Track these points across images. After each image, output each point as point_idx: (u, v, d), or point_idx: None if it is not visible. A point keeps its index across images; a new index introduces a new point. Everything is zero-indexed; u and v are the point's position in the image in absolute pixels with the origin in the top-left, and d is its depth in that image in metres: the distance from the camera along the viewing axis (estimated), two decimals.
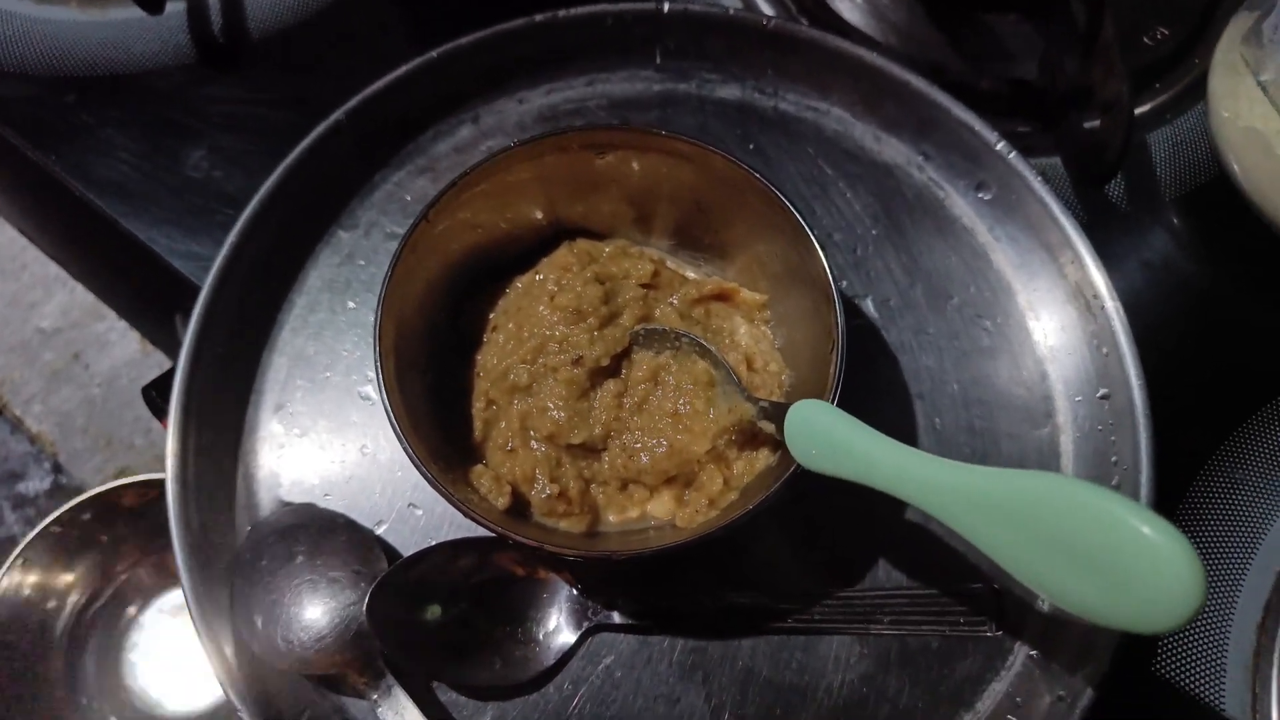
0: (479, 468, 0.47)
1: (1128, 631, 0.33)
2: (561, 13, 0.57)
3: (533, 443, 0.48)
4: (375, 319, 0.45)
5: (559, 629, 0.47)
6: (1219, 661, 0.49)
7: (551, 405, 0.47)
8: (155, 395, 0.58)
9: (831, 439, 0.40)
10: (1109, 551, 0.32)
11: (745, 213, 0.49)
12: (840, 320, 0.44)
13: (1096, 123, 0.55)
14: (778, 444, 0.45)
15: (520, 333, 0.49)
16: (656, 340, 0.49)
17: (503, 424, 0.48)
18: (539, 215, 0.52)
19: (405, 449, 0.43)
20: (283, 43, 0.60)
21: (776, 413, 0.44)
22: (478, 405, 0.49)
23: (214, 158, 0.59)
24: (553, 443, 0.47)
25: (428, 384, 0.49)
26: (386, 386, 0.44)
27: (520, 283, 0.51)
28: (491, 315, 0.51)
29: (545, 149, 0.49)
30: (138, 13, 0.60)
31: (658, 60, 0.58)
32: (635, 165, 0.50)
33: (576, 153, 0.50)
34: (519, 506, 0.47)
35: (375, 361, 0.44)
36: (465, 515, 0.43)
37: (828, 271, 0.45)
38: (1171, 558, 0.31)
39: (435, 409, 0.48)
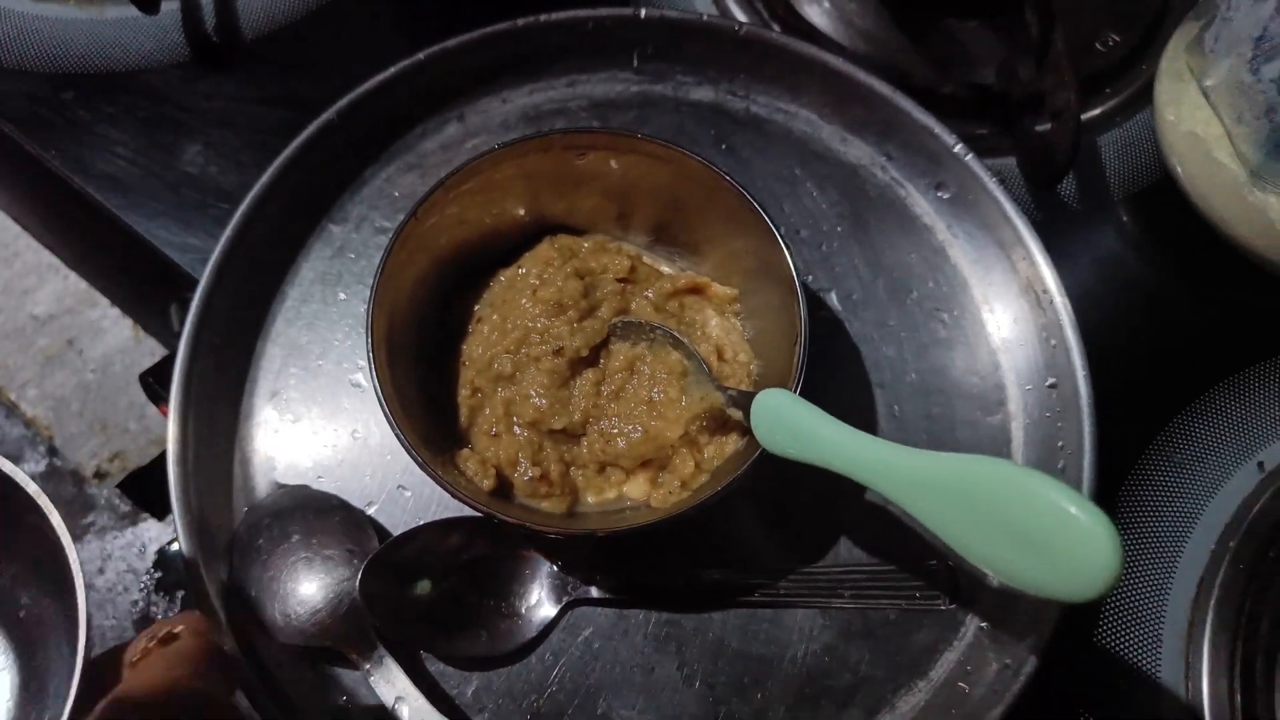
0: (465, 451, 0.50)
1: (1056, 599, 0.36)
2: (544, 17, 0.59)
3: (516, 428, 0.50)
4: (367, 311, 0.47)
5: (540, 603, 0.50)
6: (1156, 633, 0.53)
7: (534, 393, 0.50)
8: (153, 382, 0.60)
9: (793, 425, 0.44)
10: (1040, 528, 0.35)
11: (717, 212, 0.52)
12: (804, 315, 0.47)
13: (1048, 127, 0.58)
14: (746, 430, 0.48)
15: (504, 324, 0.52)
16: (633, 332, 0.52)
17: (487, 410, 0.51)
18: (522, 212, 0.55)
19: (396, 434, 0.46)
20: (275, 42, 0.62)
21: (744, 400, 0.47)
22: (464, 393, 0.51)
23: (209, 153, 0.61)
24: (535, 428, 0.50)
25: (416, 372, 0.51)
26: (378, 375, 0.47)
27: (504, 276, 0.54)
28: (477, 307, 0.53)
29: (528, 149, 0.52)
30: (134, 11, 0.62)
31: (635, 63, 0.61)
32: (614, 165, 0.53)
33: (558, 153, 0.52)
34: (503, 488, 0.50)
35: (368, 351, 0.47)
36: (453, 496, 0.46)
37: (793, 269, 0.48)
38: (1094, 534, 0.34)
39: (423, 396, 0.51)
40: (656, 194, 0.54)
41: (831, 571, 0.52)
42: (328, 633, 0.48)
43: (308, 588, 0.49)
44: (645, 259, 0.56)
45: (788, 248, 0.49)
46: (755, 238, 0.51)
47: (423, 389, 0.51)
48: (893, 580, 0.51)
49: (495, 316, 0.52)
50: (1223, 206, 0.57)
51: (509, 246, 0.55)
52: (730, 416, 0.49)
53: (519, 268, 0.54)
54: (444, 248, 0.53)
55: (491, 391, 0.51)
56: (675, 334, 0.51)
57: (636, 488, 0.51)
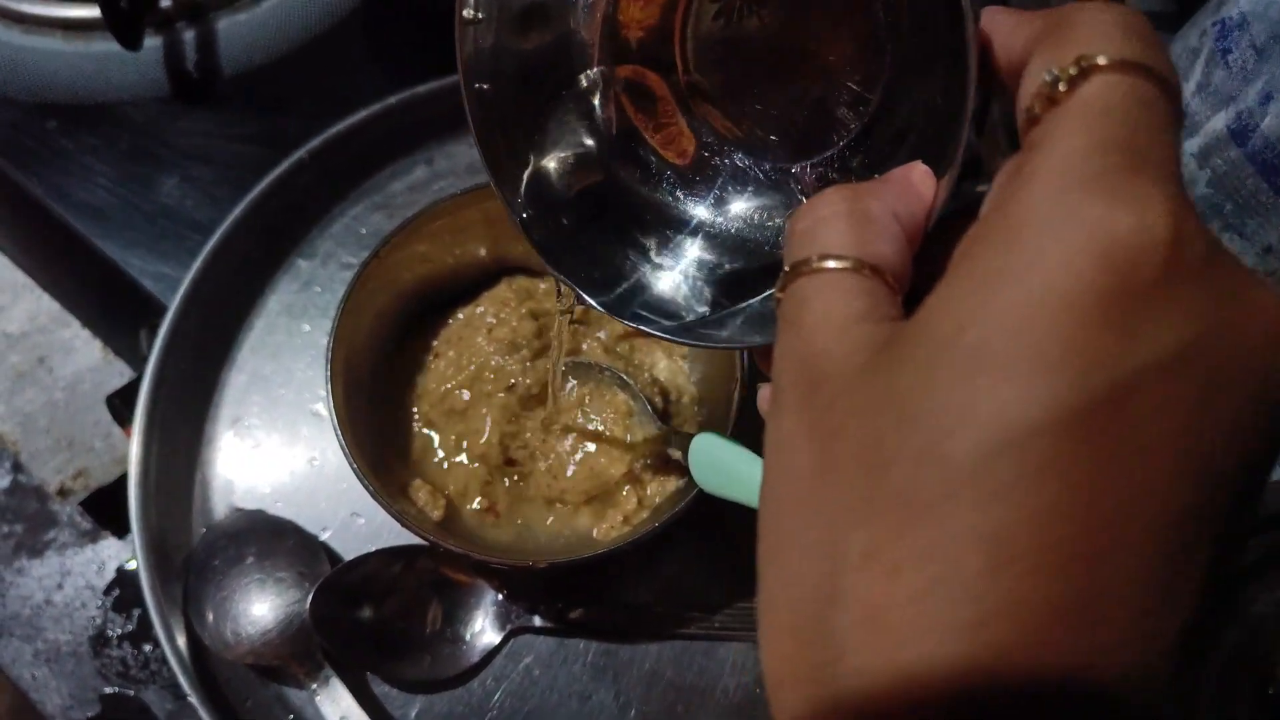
0: (417, 481, 0.52)
1: None
2: None
3: (467, 460, 0.53)
4: (327, 346, 0.50)
5: (484, 630, 0.52)
6: None
7: (485, 428, 0.53)
8: (119, 404, 0.62)
9: (725, 467, 0.46)
10: None
11: None
12: (743, 360, 0.50)
13: (987, 188, 0.62)
14: (687, 469, 0.50)
15: (460, 360, 0.54)
16: (582, 372, 0.54)
17: (440, 442, 0.53)
18: (483, 253, 0.57)
19: (351, 465, 0.48)
20: (253, 81, 0.65)
21: (682, 442, 0.49)
22: (418, 425, 0.54)
23: (185, 186, 0.63)
24: (485, 461, 0.52)
25: (373, 403, 0.53)
26: (335, 408, 0.49)
27: (462, 314, 0.56)
28: (435, 343, 0.56)
29: (488, 195, 0.54)
30: (118, 46, 0.65)
31: None
32: None
33: None
34: (452, 518, 0.52)
35: (326, 385, 0.49)
36: (402, 525, 0.48)
37: None
38: None
39: (379, 426, 0.53)
40: None
41: None
42: (277, 652, 0.50)
43: (260, 608, 0.51)
44: None
45: None
46: None
47: (378, 419, 0.53)
48: None
49: (451, 352, 0.54)
50: None
51: (469, 285, 0.57)
52: (673, 456, 0.51)
53: (476, 306, 0.56)
54: (405, 285, 0.55)
55: (444, 424, 0.53)
56: (622, 375, 0.53)
57: (581, 521, 0.53)
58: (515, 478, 0.53)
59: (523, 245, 0.57)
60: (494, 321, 0.55)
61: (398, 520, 0.47)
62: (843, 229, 0.24)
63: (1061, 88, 0.21)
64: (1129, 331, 0.18)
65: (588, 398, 0.54)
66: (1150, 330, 0.18)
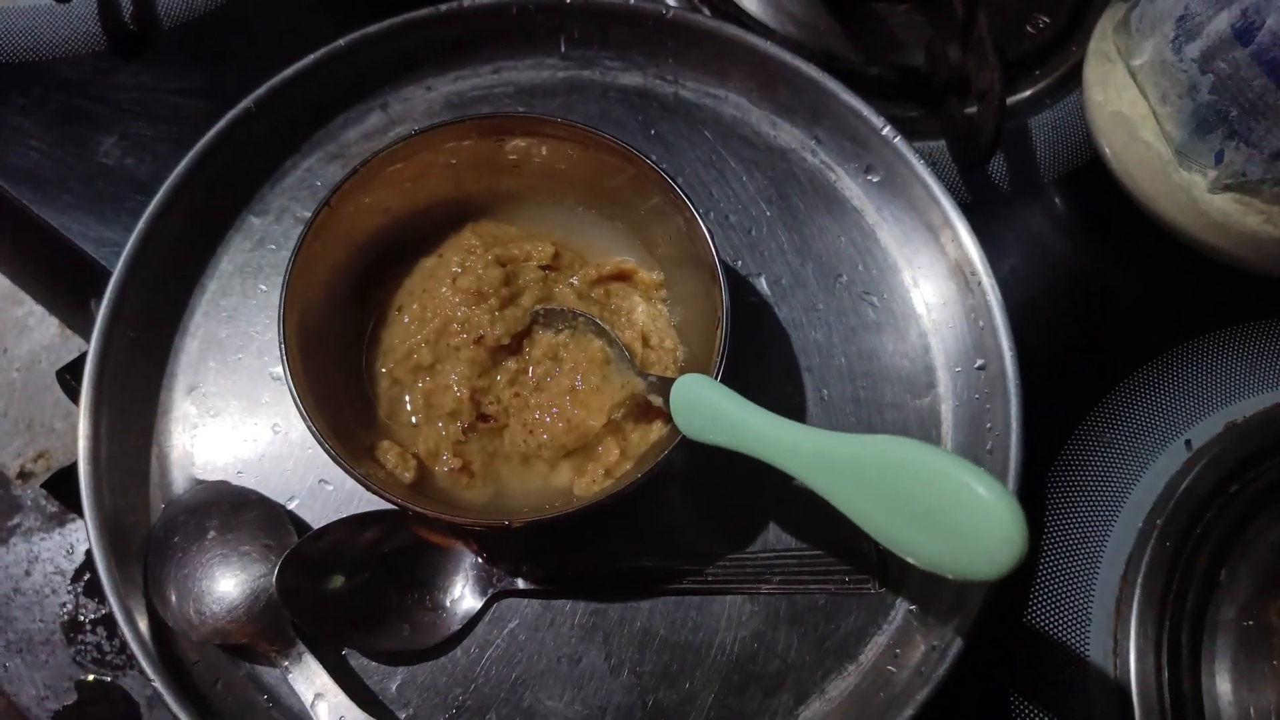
0: (385, 443, 0.49)
1: (964, 579, 0.36)
2: (467, 2, 0.58)
3: (436, 419, 0.50)
4: (279, 303, 0.46)
5: (464, 596, 0.50)
6: (1084, 612, 0.53)
7: (454, 383, 0.49)
8: (70, 378, 0.59)
9: (710, 410, 0.43)
10: (947, 507, 0.35)
11: (641, 197, 0.51)
12: (725, 300, 0.47)
13: (975, 109, 0.58)
14: (670, 416, 0.47)
15: (424, 313, 0.51)
16: (555, 319, 0.51)
17: (407, 401, 0.50)
18: (444, 197, 0.54)
19: (310, 429, 0.45)
20: (194, 30, 0.61)
21: (664, 387, 0.46)
22: (384, 384, 0.51)
23: (125, 145, 0.59)
24: (455, 419, 0.49)
25: (335, 363, 0.50)
26: (291, 369, 0.46)
27: (425, 264, 0.53)
28: (397, 295, 0.52)
29: (447, 135, 0.51)
30: None
31: (562, 48, 0.60)
32: (536, 151, 0.52)
33: (478, 138, 0.52)
34: (424, 480, 0.49)
35: (280, 344, 0.46)
36: (367, 489, 0.45)
37: (714, 253, 0.48)
38: (998, 512, 0.34)
39: (343, 387, 0.50)
40: (580, 179, 0.53)
41: (760, 557, 0.51)
42: (244, 630, 0.47)
43: (224, 585, 0.48)
44: (570, 244, 0.55)
45: (709, 232, 0.48)
46: (679, 223, 0.50)
47: (340, 380, 0.50)
48: (821, 565, 0.51)
49: (415, 305, 0.51)
50: (1148, 185, 0.58)
51: (431, 231, 0.54)
52: (654, 403, 0.48)
53: (439, 254, 0.53)
54: (362, 235, 0.52)
55: (411, 382, 0.50)
56: (597, 321, 0.50)
57: (561, 476, 0.50)
58: (489, 435, 0.50)
59: (485, 188, 0.54)
60: (459, 270, 0.51)
61: (363, 485, 0.44)
62: None
63: None
64: None
65: (562, 346, 0.51)
66: None
